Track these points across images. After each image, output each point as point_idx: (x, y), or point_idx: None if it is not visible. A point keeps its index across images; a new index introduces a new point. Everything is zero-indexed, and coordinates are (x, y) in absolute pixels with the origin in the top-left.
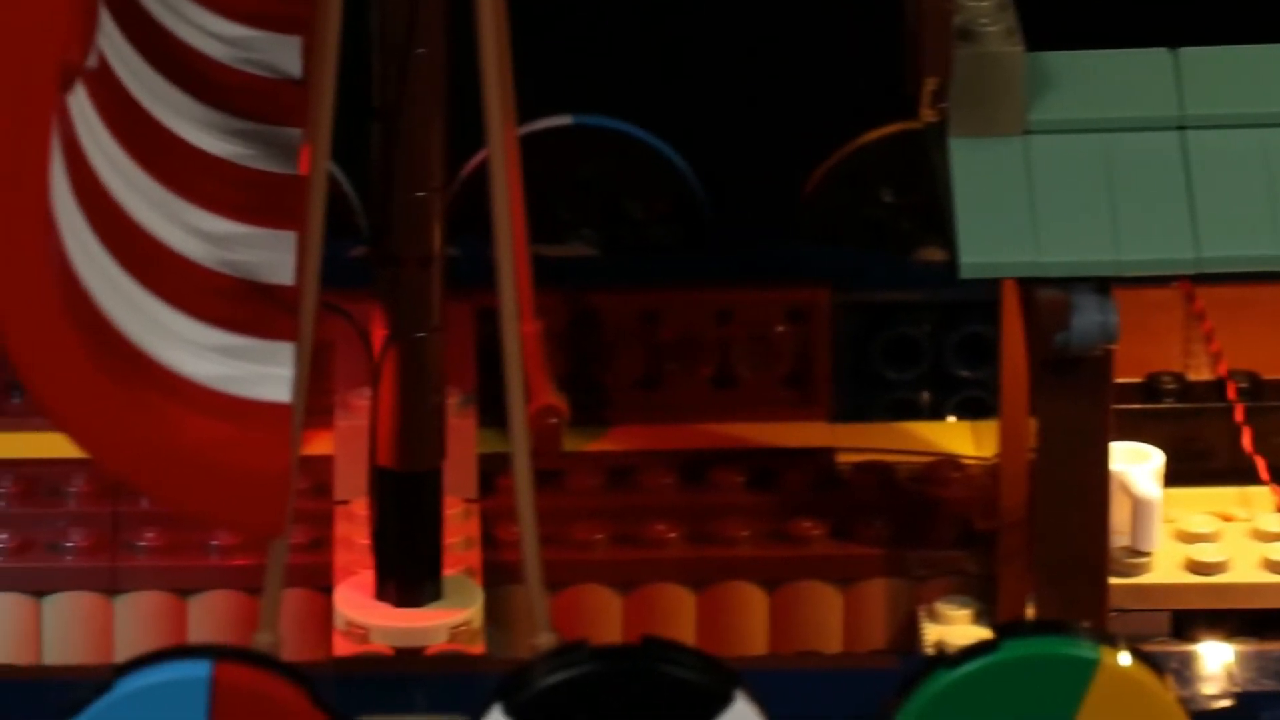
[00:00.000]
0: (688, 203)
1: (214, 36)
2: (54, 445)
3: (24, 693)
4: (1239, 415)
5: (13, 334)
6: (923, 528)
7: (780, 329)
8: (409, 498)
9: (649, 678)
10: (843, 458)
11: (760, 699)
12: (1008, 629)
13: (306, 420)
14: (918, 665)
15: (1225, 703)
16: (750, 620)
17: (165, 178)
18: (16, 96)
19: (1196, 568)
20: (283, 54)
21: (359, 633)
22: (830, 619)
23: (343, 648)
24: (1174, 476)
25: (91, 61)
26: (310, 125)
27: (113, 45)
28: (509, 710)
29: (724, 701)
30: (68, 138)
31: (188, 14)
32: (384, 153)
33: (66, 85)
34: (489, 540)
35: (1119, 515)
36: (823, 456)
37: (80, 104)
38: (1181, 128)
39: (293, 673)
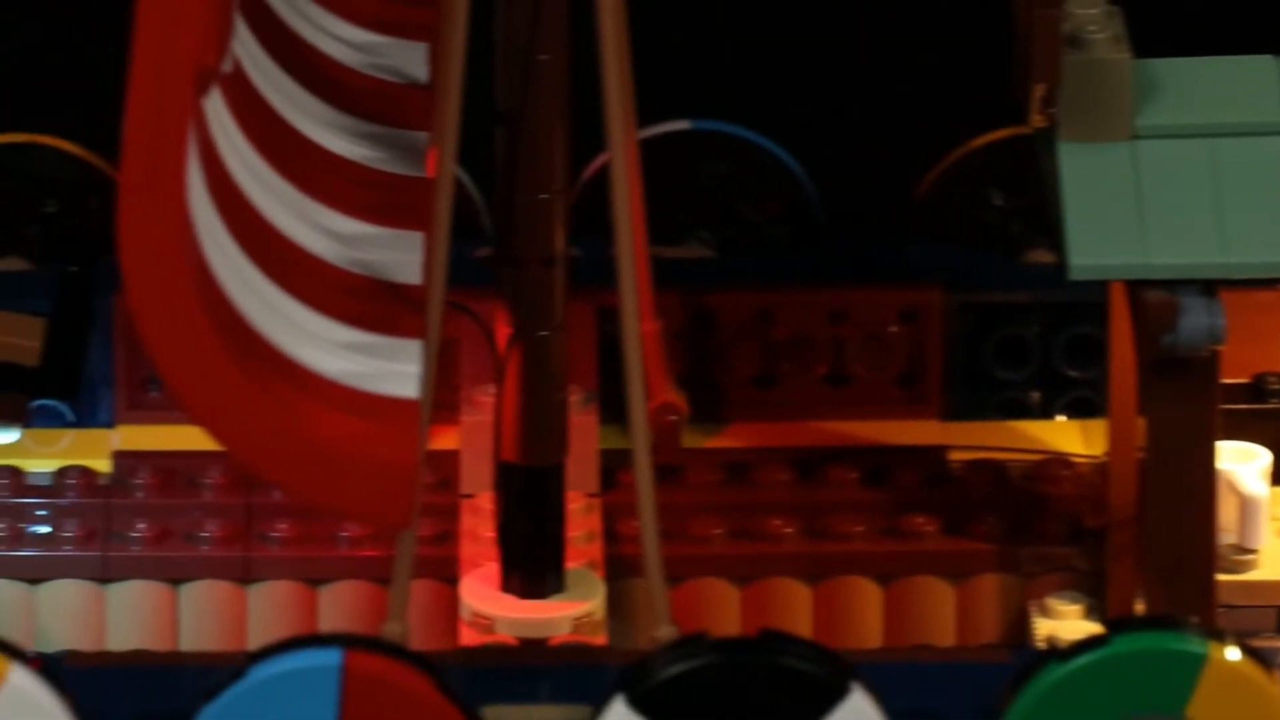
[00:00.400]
0: (802, 205)
1: (344, 42)
2: (191, 438)
3: (162, 678)
4: None
5: (152, 331)
6: (1033, 524)
7: (893, 329)
8: (532, 492)
9: (767, 670)
10: (954, 455)
11: (875, 691)
12: (1119, 624)
13: (433, 416)
14: (1030, 659)
15: None
16: (864, 614)
17: (297, 179)
18: (155, 100)
19: None
20: (410, 59)
21: (484, 623)
22: (943, 614)
23: (468, 638)
24: None
25: (227, 66)
26: (437, 129)
27: (247, 50)
28: (631, 701)
29: (840, 693)
30: (204, 140)
31: (319, 20)
32: (508, 156)
33: (202, 89)
34: (610, 534)
35: (1226, 513)
36: (935, 454)
37: (216, 107)
38: None
39: (421, 662)
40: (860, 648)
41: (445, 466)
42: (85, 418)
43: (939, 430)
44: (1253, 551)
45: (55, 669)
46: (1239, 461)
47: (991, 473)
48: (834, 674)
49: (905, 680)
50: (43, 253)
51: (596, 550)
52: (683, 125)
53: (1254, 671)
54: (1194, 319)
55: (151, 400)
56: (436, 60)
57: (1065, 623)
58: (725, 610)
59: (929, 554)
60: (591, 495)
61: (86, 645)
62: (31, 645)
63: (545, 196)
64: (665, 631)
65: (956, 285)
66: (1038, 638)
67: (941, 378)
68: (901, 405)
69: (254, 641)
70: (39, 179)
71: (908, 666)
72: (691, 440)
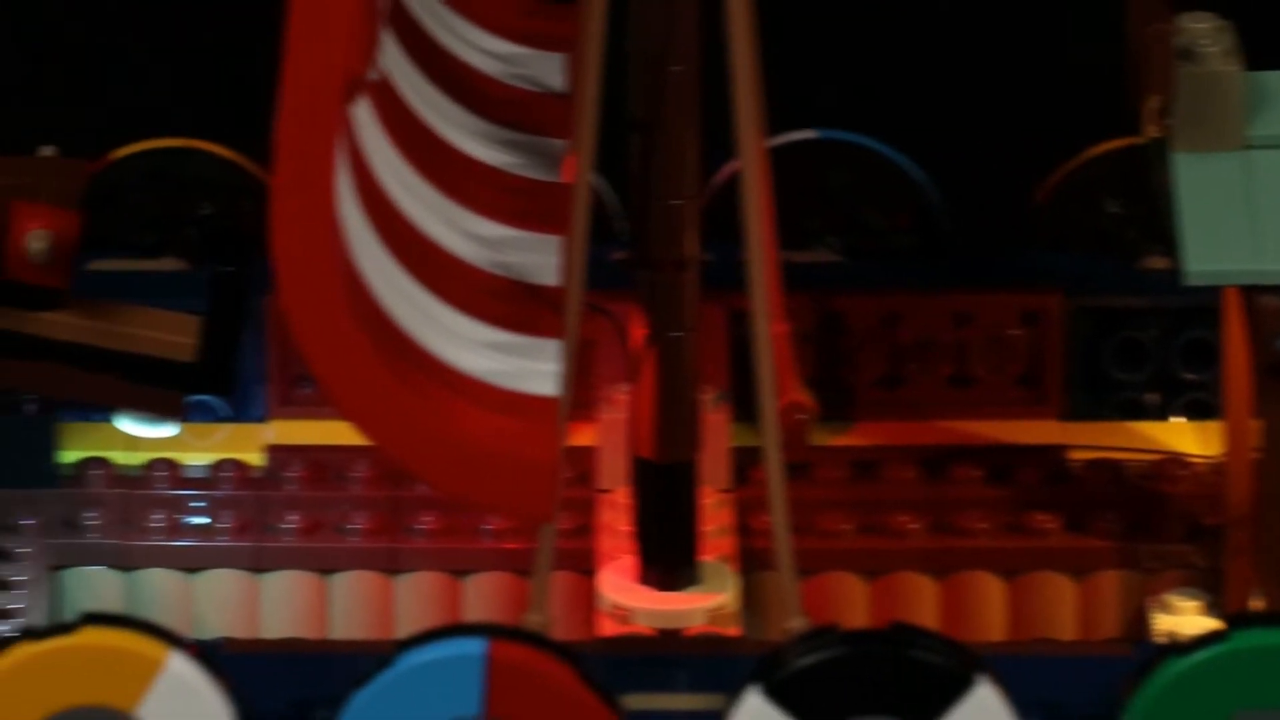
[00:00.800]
0: (926, 211)
1: (486, 53)
2: (340, 433)
3: (313, 665)
4: None
5: (304, 330)
6: (1152, 522)
7: (1014, 331)
8: (667, 487)
9: (897, 661)
10: (1074, 455)
11: (1001, 683)
12: (1238, 619)
13: (571, 413)
14: (1151, 653)
15: None
16: (988, 608)
17: (442, 184)
18: (305, 108)
19: None
20: (549, 70)
21: (622, 614)
22: (1065, 609)
23: (606, 628)
24: None
25: (374, 75)
26: (575, 136)
27: (393, 60)
28: (766, 690)
29: (966, 685)
30: (352, 147)
31: (462, 32)
32: (643, 163)
33: (351, 97)
34: (743, 529)
35: None
36: (1055, 453)
37: (364, 115)
38: None
39: (563, 651)
40: (984, 641)
41: (583, 462)
42: (239, 413)
43: (1059, 430)
44: None
45: (212, 656)
46: None
47: (1111, 472)
48: (961, 666)
49: (1028, 673)
50: (199, 253)
51: (729, 544)
52: (810, 134)
53: None
54: None
55: (303, 396)
56: (575, 70)
57: (1184, 618)
58: (853, 603)
59: (1051, 550)
60: (724, 491)
61: (241, 633)
62: (189, 633)
63: (678, 202)
64: (797, 623)
65: (1076, 290)
66: (1157, 634)
67: (1062, 379)
68: (1023, 406)
69: (401, 630)
70: (195, 183)
71: (1031, 660)
72: (820, 438)
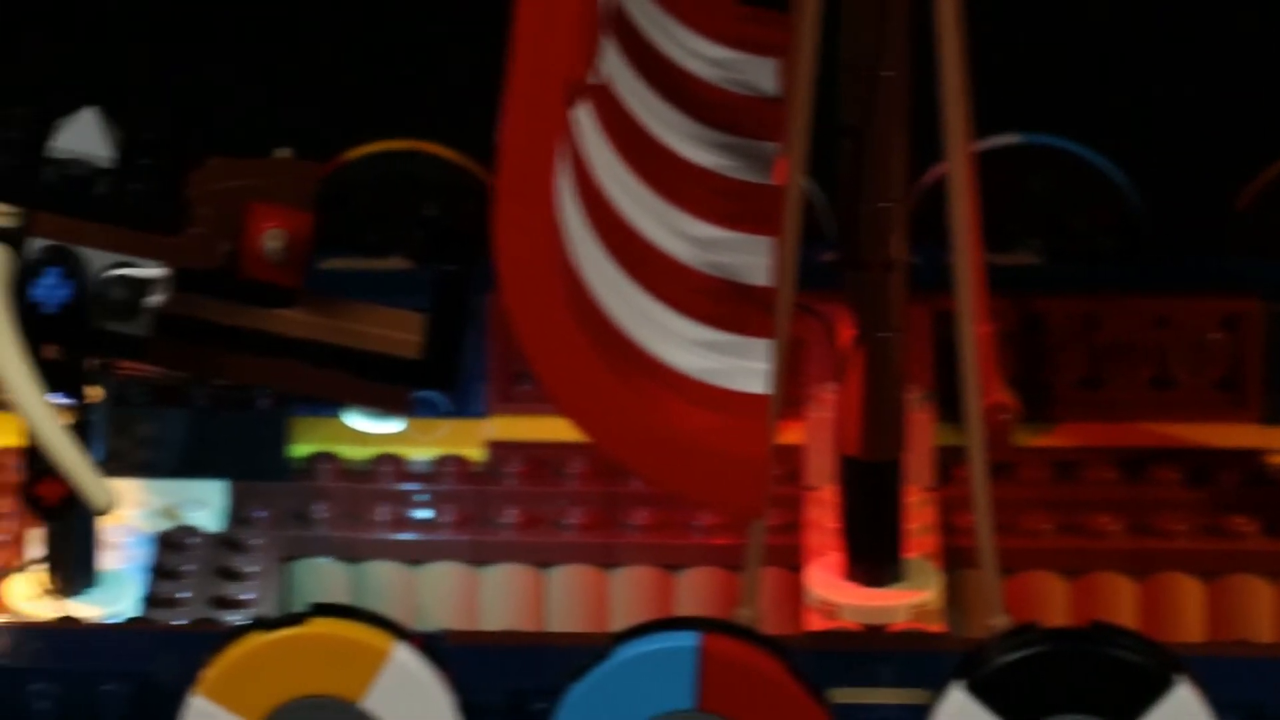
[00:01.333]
0: (1127, 215)
1: (701, 58)
2: (558, 429)
3: (532, 657)
4: None
5: (525, 328)
6: None
7: (1214, 335)
8: (873, 485)
9: (1098, 660)
10: (1274, 458)
11: (1200, 684)
12: None
13: (780, 411)
14: None
15: None
16: (1187, 610)
17: (658, 186)
18: (529, 111)
19: None
20: (762, 74)
21: (829, 609)
22: (1262, 611)
23: (814, 623)
24: None
25: (595, 79)
26: (787, 140)
27: (613, 65)
28: (969, 686)
29: (1166, 685)
30: (573, 149)
31: (678, 37)
32: (853, 166)
33: (573, 101)
34: (946, 527)
35: None
36: (1254, 457)
37: (585, 118)
38: None
39: (772, 645)
40: (1183, 642)
41: (791, 460)
42: (461, 409)
43: (1259, 434)
44: None
45: (435, 647)
46: None
47: None
48: (1161, 666)
49: (1227, 674)
50: (424, 253)
51: (933, 542)
52: (1014, 139)
53: None
54: None
55: (522, 393)
56: (788, 75)
57: None
58: (1054, 602)
59: (1249, 553)
60: (928, 490)
61: (461, 625)
62: (412, 624)
63: (886, 205)
64: (999, 621)
65: (1276, 294)
66: None
67: (1262, 383)
68: (1222, 409)
69: (615, 623)
70: (421, 184)
71: (1229, 661)
72: (1022, 439)
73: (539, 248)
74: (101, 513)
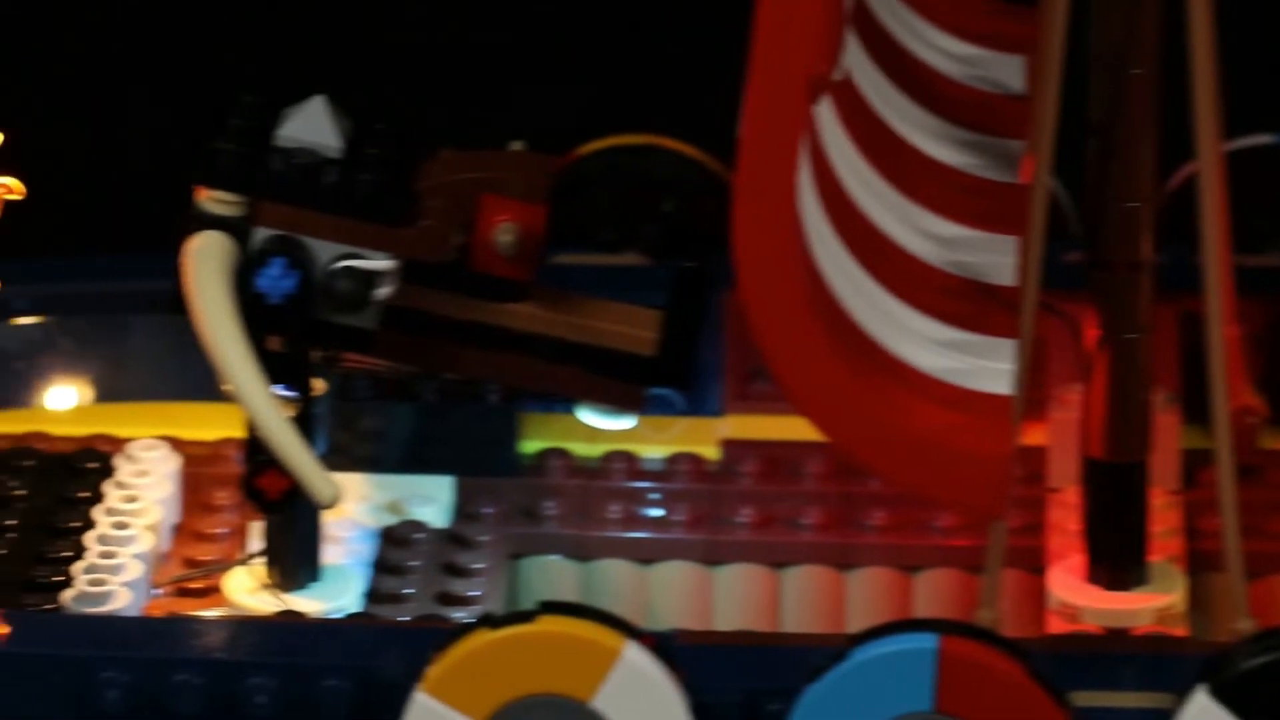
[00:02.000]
0: None
1: (946, 54)
2: (793, 428)
3: (766, 657)
4: None
5: (762, 326)
6: None
7: None
8: (1118, 487)
9: None
10: None
11: None
12: None
13: (1023, 412)
14: None
15: None
16: None
17: (899, 183)
18: (770, 108)
19: None
20: (1008, 71)
21: (1070, 613)
22: None
23: (1055, 626)
24: None
25: (837, 75)
26: (1033, 138)
27: (856, 60)
28: (1213, 691)
29: None
30: (814, 145)
31: (923, 33)
32: (1099, 165)
33: (815, 97)
34: (1191, 531)
35: None
36: None
37: (826, 114)
38: None
39: (1013, 648)
40: None
41: (1034, 461)
42: (695, 407)
43: None
44: None
45: (666, 647)
46: None
47: None
48: None
49: None
50: (659, 249)
51: (1178, 545)
52: (1267, 139)
53: None
54: None
55: (758, 391)
56: (1034, 72)
57: None
58: None
59: None
60: (1173, 492)
61: (693, 624)
62: (643, 623)
63: (1134, 204)
64: (1244, 625)
65: None
66: None
67: None
68: None
69: (851, 625)
70: (658, 180)
71: None
72: (1269, 441)
73: (778, 244)
74: (326, 507)
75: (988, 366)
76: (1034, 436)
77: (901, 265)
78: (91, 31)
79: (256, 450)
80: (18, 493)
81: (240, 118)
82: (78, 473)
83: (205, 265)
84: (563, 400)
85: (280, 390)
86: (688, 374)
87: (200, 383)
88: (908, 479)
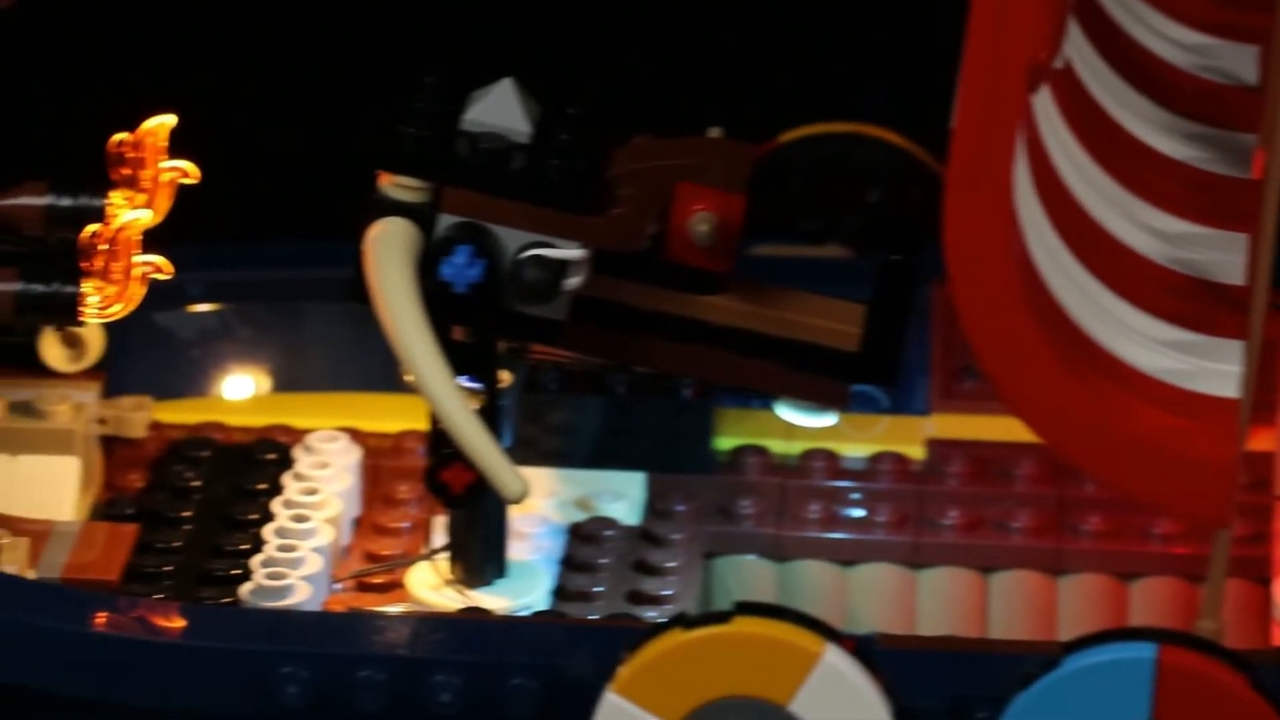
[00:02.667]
0: None
1: (1174, 43)
2: (1003, 428)
3: (972, 664)
4: None
5: (974, 322)
6: None
7: None
8: None
9: None
10: None
11: None
12: None
13: (1250, 416)
14: None
15: None
16: None
17: (1121, 176)
18: (986, 97)
19: None
20: (1240, 62)
21: None
22: None
23: None
24: None
25: (1058, 63)
26: (1265, 131)
27: (1077, 48)
28: None
29: None
30: (1031, 135)
31: (1149, 20)
32: None
33: (1034, 85)
34: None
35: None
36: None
37: (1044, 103)
38: None
39: (1236, 660)
40: None
41: (1260, 467)
42: (900, 404)
43: None
44: None
45: (867, 650)
46: None
47: None
48: None
49: None
50: (863, 241)
51: None
52: None
53: None
54: None
55: (966, 389)
56: (1267, 63)
57: None
58: None
59: None
60: None
61: (896, 628)
62: (843, 626)
63: None
64: None
65: None
66: None
67: None
68: None
69: (1063, 632)
70: (863, 168)
71: None
72: None
73: (992, 238)
74: (513, 502)
75: (1213, 368)
76: (1261, 442)
77: (1123, 261)
78: (270, 11)
79: (440, 443)
80: (194, 484)
81: (425, 100)
82: (256, 464)
83: (388, 252)
84: (760, 396)
85: (465, 382)
86: (893, 371)
87: (381, 373)
88: (1126, 483)
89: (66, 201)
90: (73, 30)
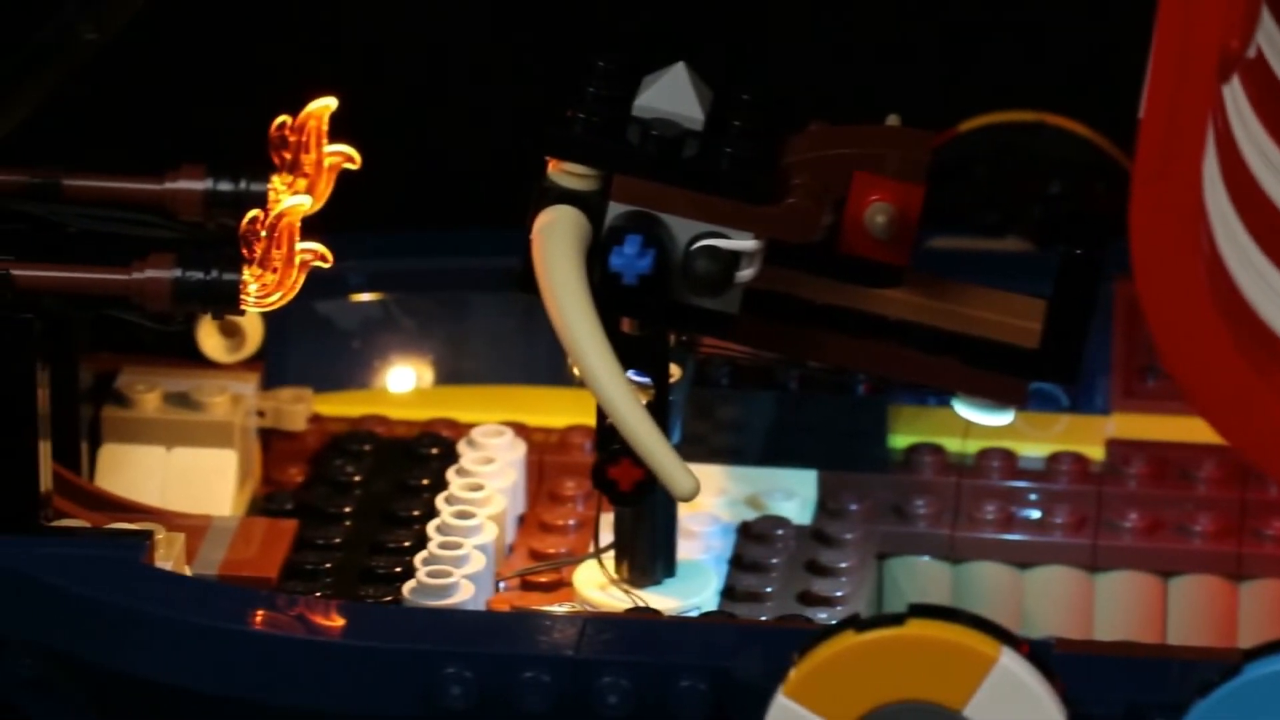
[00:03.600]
0: None
1: None
2: (1186, 429)
3: (1150, 670)
4: None
5: (1160, 320)
6: None
7: None
8: None
9: None
10: None
11: None
12: None
13: None
14: None
15: None
16: None
17: None
18: (1175, 88)
19: None
20: None
21: None
22: None
23: None
24: None
25: (1249, 51)
26: None
27: (1268, 35)
28: None
29: None
30: (1221, 127)
31: None
32: None
33: (1225, 74)
34: None
35: None
36: None
37: (1234, 93)
38: None
39: None
40: None
41: None
42: (1079, 403)
43: None
44: None
45: (1044, 655)
46: None
47: None
48: None
49: None
50: (1044, 234)
51: None
52: None
53: None
54: None
55: (1148, 389)
56: None
57: None
58: None
59: None
60: None
61: (1073, 632)
62: (1018, 630)
63: None
64: None
65: None
66: None
67: None
68: None
69: (1243, 639)
70: (1045, 160)
71: None
72: None
73: (1179, 234)
74: (684, 499)
75: None
76: None
77: None
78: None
79: (609, 439)
80: (355, 478)
81: (596, 85)
82: (418, 458)
83: (557, 242)
84: (937, 393)
85: (634, 376)
86: (1074, 369)
87: (547, 365)
88: None
89: (226, 186)
90: (232, 13)
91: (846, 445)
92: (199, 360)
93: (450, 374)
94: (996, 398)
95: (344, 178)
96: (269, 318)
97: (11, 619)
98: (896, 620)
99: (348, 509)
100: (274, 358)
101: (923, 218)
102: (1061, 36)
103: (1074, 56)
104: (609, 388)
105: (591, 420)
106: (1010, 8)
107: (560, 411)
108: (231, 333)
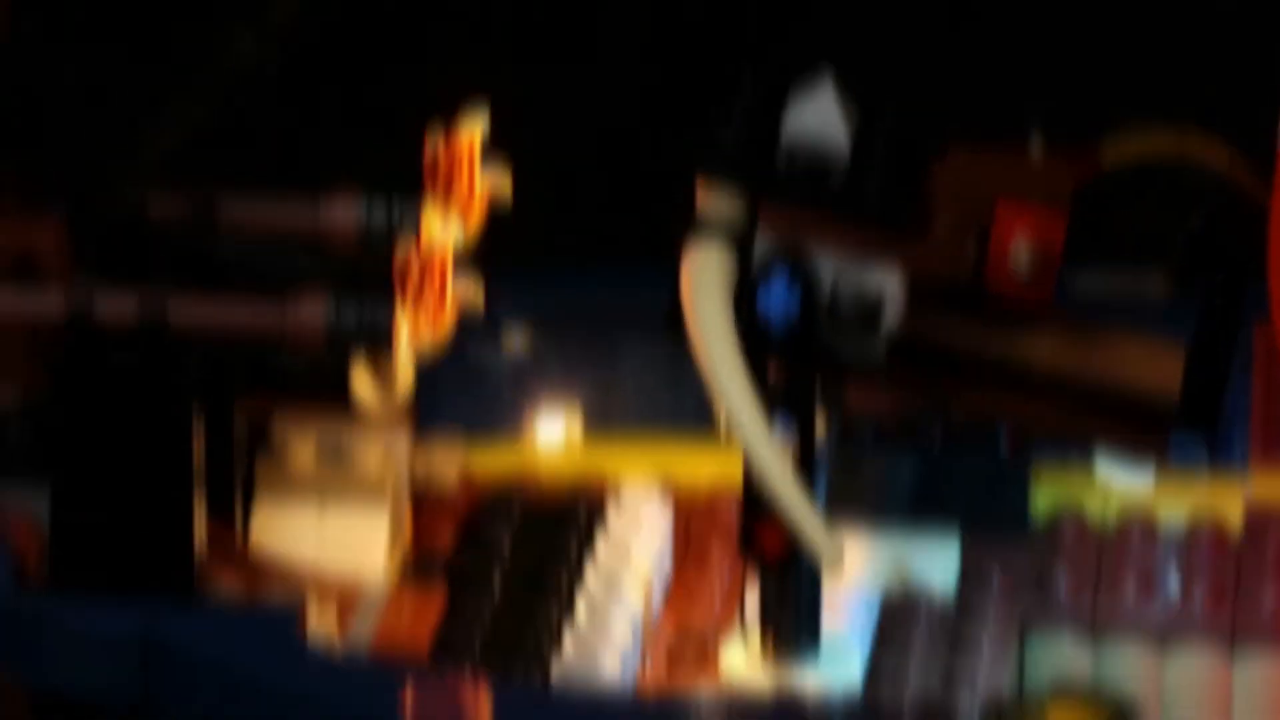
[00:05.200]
0: None
1: None
2: None
3: None
4: None
5: None
6: None
7: None
8: None
9: None
10: None
11: None
12: None
13: None
14: None
15: None
16: None
17: None
18: None
19: None
20: None
21: None
22: None
23: None
24: None
25: None
26: None
27: None
28: None
29: None
30: None
31: None
32: None
33: None
34: None
35: None
36: None
37: None
38: None
39: None
40: None
41: None
42: (1219, 457)
43: None
44: None
45: None
46: None
47: None
48: None
49: None
50: (1185, 272)
51: None
52: None
53: None
54: None
55: None
56: None
57: None
58: None
59: None
60: None
61: (1213, 718)
62: (1158, 712)
63: None
64: None
65: None
66: None
67: None
68: None
69: None
70: (1187, 194)
71: None
72: None
73: None
74: (829, 568)
75: None
76: None
77: None
78: (582, 22)
79: (754, 500)
80: (502, 543)
81: (743, 103)
82: (565, 523)
83: (707, 287)
84: (1078, 445)
85: (780, 430)
86: (1215, 416)
87: (696, 411)
88: None
89: (380, 216)
90: (387, 39)
91: (990, 508)
92: (347, 405)
93: (599, 417)
94: (1137, 448)
95: (491, 211)
96: (417, 361)
97: (165, 690)
98: (1035, 707)
99: (496, 576)
100: (423, 404)
101: (1065, 252)
102: (1199, 52)
103: (1211, 72)
104: (755, 445)
105: (738, 476)
106: (1151, 18)
107: (708, 463)
108: (382, 376)
